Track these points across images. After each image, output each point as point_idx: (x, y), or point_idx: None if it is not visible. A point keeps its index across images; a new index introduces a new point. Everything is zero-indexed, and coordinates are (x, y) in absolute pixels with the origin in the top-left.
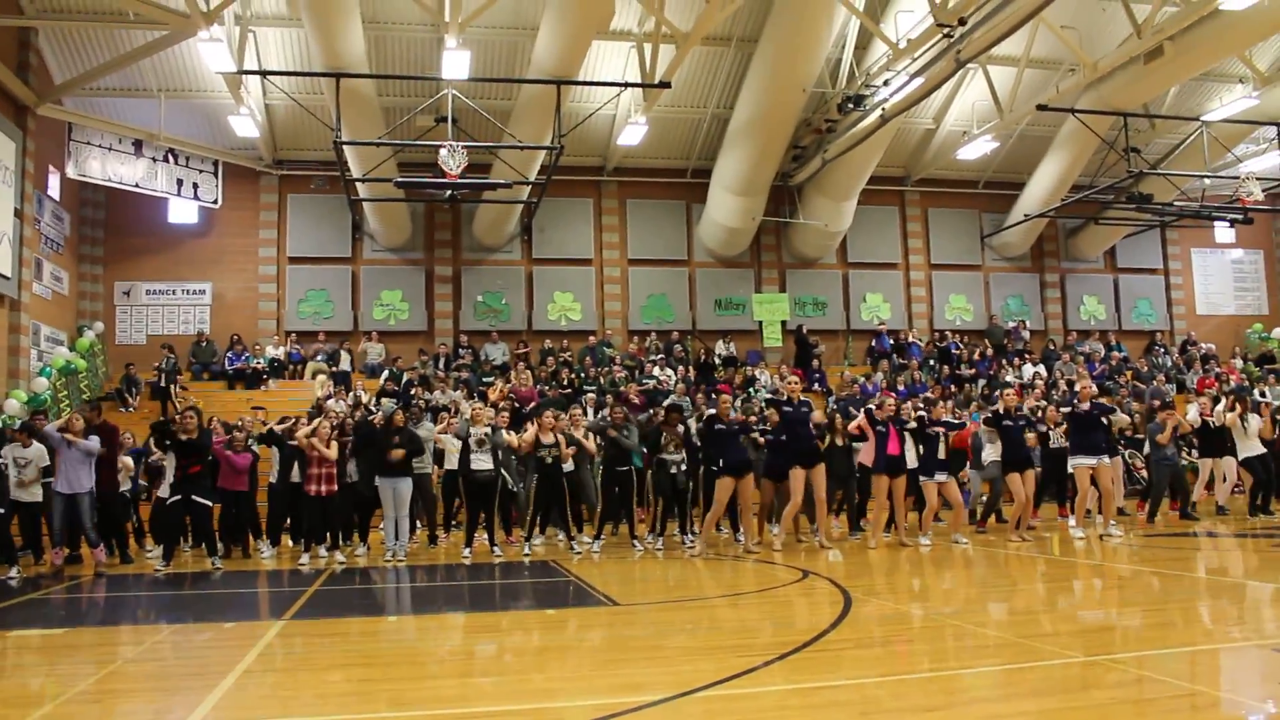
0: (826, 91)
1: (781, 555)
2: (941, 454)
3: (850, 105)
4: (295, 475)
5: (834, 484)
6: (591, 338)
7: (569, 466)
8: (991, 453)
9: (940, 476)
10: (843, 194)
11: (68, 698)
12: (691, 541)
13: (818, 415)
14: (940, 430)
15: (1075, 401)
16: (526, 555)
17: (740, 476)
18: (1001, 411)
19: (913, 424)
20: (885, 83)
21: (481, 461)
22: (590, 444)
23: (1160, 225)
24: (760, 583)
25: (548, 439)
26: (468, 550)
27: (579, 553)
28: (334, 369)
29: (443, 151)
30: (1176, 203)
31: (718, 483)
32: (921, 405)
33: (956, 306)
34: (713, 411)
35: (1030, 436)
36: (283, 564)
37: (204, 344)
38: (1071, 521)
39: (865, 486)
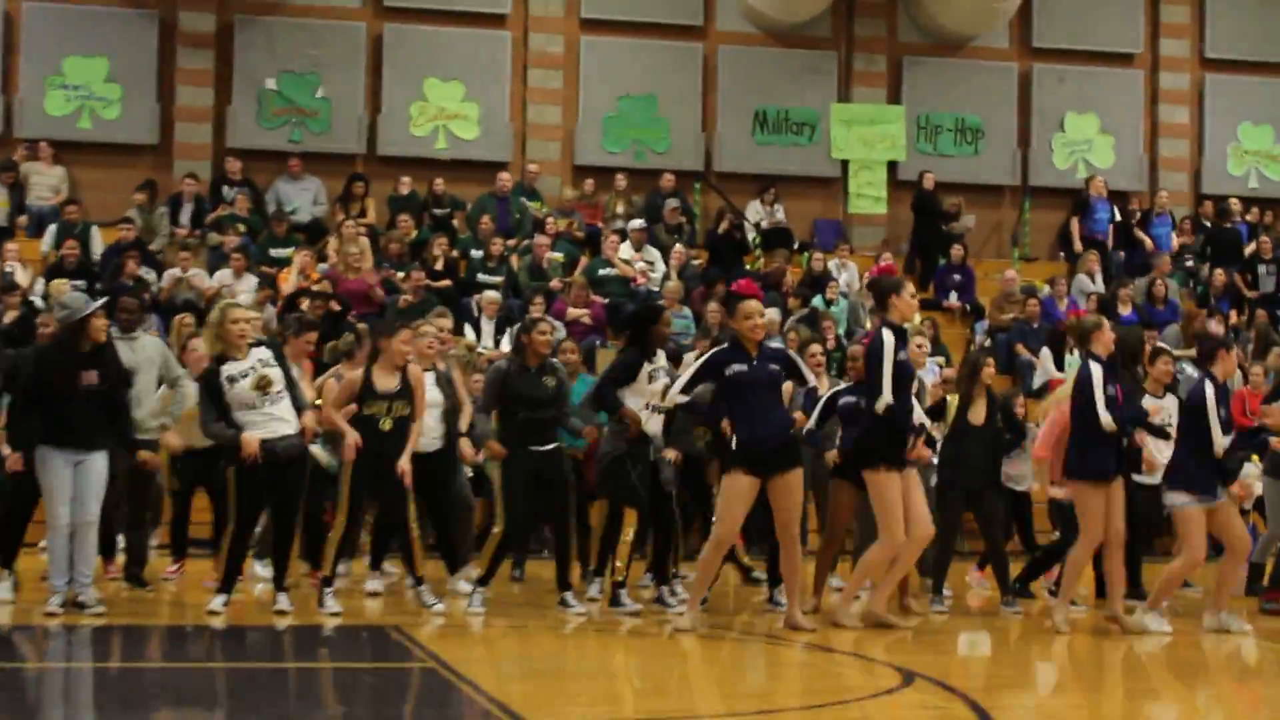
0: None
1: (858, 635)
2: (1217, 445)
3: None
4: None
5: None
6: (501, 176)
7: (435, 441)
8: None
9: (1207, 497)
10: None
11: None
12: (680, 596)
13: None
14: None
15: None
16: (332, 613)
17: (775, 471)
18: None
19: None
20: None
21: (273, 420)
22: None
23: None
24: (812, 691)
25: (387, 383)
26: (222, 599)
27: (435, 605)
28: None
29: None
30: None
31: (725, 481)
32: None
33: (1251, 148)
34: (724, 344)
35: None
36: None
37: None
38: None
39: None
